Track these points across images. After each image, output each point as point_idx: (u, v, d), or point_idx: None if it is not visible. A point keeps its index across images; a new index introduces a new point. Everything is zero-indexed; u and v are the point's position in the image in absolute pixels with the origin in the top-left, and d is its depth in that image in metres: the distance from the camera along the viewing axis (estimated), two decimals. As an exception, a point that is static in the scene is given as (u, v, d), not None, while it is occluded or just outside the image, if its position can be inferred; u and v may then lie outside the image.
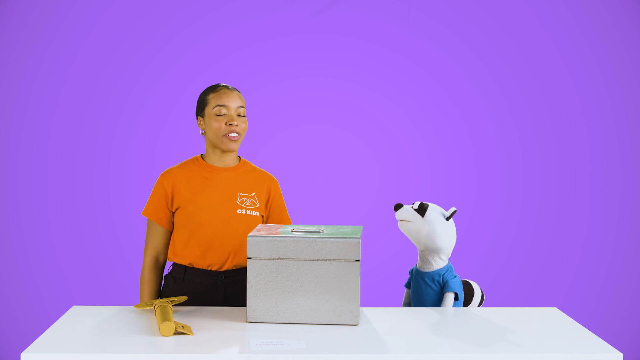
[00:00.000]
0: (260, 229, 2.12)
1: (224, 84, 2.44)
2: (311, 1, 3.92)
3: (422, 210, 2.30)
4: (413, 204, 2.35)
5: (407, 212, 2.31)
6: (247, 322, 1.99)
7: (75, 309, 2.13)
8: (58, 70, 3.83)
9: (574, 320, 2.09)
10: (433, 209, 2.31)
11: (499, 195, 3.99)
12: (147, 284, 2.41)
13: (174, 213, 2.39)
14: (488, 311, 2.19)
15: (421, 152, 4.00)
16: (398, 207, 2.34)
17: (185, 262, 2.37)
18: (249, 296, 1.99)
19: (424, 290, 2.31)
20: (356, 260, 1.97)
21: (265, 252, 1.98)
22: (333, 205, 3.94)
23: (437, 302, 2.30)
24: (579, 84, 3.96)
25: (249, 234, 2.00)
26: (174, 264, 2.42)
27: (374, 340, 1.87)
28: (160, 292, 2.45)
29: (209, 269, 2.36)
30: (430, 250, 2.31)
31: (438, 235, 2.28)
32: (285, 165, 3.92)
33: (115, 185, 3.88)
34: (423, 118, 3.99)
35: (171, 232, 2.43)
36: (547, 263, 3.97)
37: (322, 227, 2.13)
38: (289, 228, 2.13)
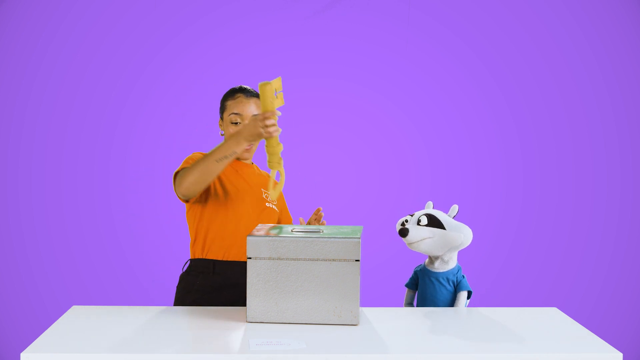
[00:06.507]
0: (260, 228, 2.12)
1: (244, 90, 2.47)
2: (311, 1, 3.92)
3: (434, 222, 2.25)
4: (405, 220, 2.31)
5: (422, 230, 2.24)
6: (247, 322, 2.00)
7: (75, 309, 2.13)
8: (58, 70, 3.83)
9: (574, 320, 2.09)
10: (441, 215, 2.28)
11: (499, 195, 3.99)
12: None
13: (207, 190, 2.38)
14: (488, 311, 2.19)
15: (421, 152, 4.00)
16: (406, 232, 2.23)
17: (218, 256, 2.37)
18: (248, 296, 1.99)
19: (439, 290, 2.28)
20: (356, 260, 1.97)
21: (265, 252, 1.98)
22: (333, 205, 3.94)
23: (450, 302, 2.29)
24: (579, 84, 3.96)
25: (248, 234, 2.00)
26: (196, 261, 2.40)
27: (374, 340, 1.87)
28: (187, 289, 2.40)
29: (240, 259, 2.38)
30: (451, 251, 2.27)
31: (464, 234, 2.23)
32: (285, 165, 3.91)
33: (115, 185, 3.88)
34: (423, 118, 3.99)
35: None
36: (547, 263, 3.97)
37: (322, 227, 2.13)
38: (289, 228, 2.13)
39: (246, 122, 2.37)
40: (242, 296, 2.33)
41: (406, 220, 2.30)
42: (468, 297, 2.29)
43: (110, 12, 3.84)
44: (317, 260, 1.97)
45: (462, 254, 2.38)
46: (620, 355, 1.77)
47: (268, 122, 2.10)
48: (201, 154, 2.39)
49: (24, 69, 3.82)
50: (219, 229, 2.38)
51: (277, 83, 2.13)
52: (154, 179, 3.87)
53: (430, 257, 2.33)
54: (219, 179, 2.42)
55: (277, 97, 2.13)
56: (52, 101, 3.84)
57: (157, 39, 3.88)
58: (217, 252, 2.38)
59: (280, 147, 2.17)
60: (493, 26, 3.95)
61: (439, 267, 2.29)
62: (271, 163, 2.19)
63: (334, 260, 1.97)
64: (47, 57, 3.83)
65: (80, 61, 3.85)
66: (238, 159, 2.51)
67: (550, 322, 2.07)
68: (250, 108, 2.43)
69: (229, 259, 2.38)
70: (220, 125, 2.51)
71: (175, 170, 2.33)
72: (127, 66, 3.87)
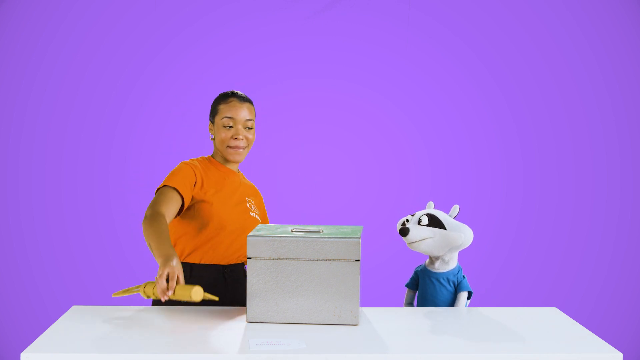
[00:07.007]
0: (260, 228, 2.12)
1: (237, 95, 2.47)
2: (311, 1, 3.92)
3: (435, 222, 2.25)
4: (406, 220, 2.31)
5: (422, 230, 2.23)
6: (247, 322, 2.00)
7: (75, 309, 2.13)
8: (58, 70, 3.83)
9: (574, 320, 2.09)
10: (441, 215, 2.28)
11: (499, 195, 3.99)
12: (164, 222, 2.13)
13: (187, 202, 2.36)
14: (488, 311, 2.19)
15: (421, 152, 4.00)
16: (407, 231, 2.23)
17: (195, 260, 2.35)
18: (248, 296, 1.99)
19: (439, 290, 2.28)
20: (356, 260, 1.97)
21: (265, 252, 1.98)
22: (333, 205, 3.94)
23: (451, 302, 2.29)
24: (579, 84, 3.96)
25: (248, 234, 2.00)
26: None
27: (374, 340, 1.87)
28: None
29: (218, 263, 2.36)
30: (451, 251, 2.27)
31: (464, 234, 2.23)
32: (286, 165, 3.92)
33: (115, 185, 3.88)
34: (423, 118, 3.99)
35: (178, 213, 2.34)
36: (547, 263, 3.97)
37: (322, 227, 2.13)
38: (289, 228, 2.13)
39: (171, 262, 1.99)
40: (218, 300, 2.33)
41: (407, 220, 2.30)
42: (468, 298, 2.29)
43: (110, 12, 3.84)
44: (317, 260, 1.97)
45: (462, 254, 2.38)
46: (620, 355, 1.77)
47: (159, 289, 1.93)
48: (186, 165, 2.36)
49: (24, 69, 3.82)
50: (199, 233, 2.35)
51: (201, 299, 1.97)
52: (154, 179, 3.84)
53: (430, 257, 2.32)
54: (203, 183, 2.37)
55: (188, 292, 1.95)
56: (52, 101, 3.84)
57: (157, 39, 3.88)
58: (195, 256, 2.36)
59: (151, 297, 2.04)
60: (493, 26, 3.95)
61: (439, 268, 2.29)
62: (147, 286, 2.04)
63: (334, 260, 1.97)
64: (47, 57, 3.83)
65: (80, 61, 3.85)
66: (227, 163, 2.48)
67: (550, 322, 2.08)
68: (242, 112, 2.43)
69: (206, 262, 2.36)
70: (211, 129, 2.49)
71: (159, 186, 2.30)
72: (127, 66, 3.87)
